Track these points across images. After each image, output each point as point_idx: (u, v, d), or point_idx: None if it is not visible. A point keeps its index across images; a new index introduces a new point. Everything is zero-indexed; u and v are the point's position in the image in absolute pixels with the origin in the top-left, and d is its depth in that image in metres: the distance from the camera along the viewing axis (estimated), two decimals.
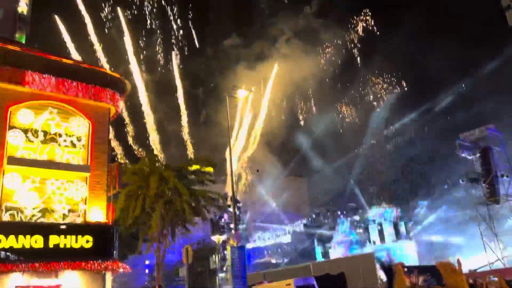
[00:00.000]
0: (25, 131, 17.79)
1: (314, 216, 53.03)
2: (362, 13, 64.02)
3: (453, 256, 29.65)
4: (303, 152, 63.48)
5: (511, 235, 27.70)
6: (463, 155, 29.71)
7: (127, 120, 57.86)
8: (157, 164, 26.55)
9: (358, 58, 65.79)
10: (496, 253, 27.13)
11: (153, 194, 24.47)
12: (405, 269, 1.62)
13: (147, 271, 45.00)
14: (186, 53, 66.74)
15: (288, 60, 64.13)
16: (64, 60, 19.74)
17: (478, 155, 29.10)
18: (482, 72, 48.72)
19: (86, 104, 19.34)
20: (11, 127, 17.47)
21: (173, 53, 64.79)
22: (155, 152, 55.47)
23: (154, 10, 65.59)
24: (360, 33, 64.05)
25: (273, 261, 49.85)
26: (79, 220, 18.03)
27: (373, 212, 46.86)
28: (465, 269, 23.68)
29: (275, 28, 69.28)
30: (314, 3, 70.59)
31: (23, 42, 26.28)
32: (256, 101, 58.85)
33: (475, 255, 29.33)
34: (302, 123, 65.48)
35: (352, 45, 64.81)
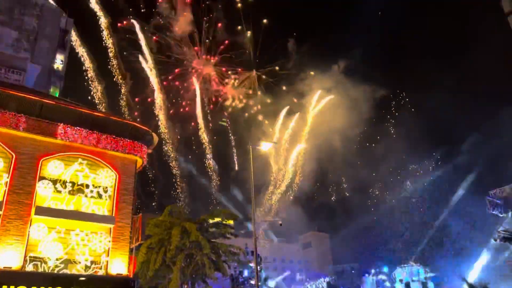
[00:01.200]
0: (54, 182, 18.18)
1: (337, 274, 51.11)
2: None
3: None
4: (329, 209, 62.60)
5: None
6: (494, 212, 28.66)
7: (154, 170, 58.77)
8: (180, 216, 26.50)
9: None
10: None
11: (174, 247, 24.26)
12: None
13: None
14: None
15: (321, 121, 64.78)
16: (95, 113, 20.50)
17: (510, 212, 28.01)
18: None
19: (114, 156, 19.78)
20: (41, 178, 17.89)
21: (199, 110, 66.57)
22: (180, 204, 55.61)
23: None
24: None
25: None
26: (101, 272, 17.84)
27: (400, 271, 44.87)
28: None
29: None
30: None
31: (57, 96, 27.61)
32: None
33: None
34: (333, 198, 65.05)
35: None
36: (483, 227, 38.34)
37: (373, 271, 48.44)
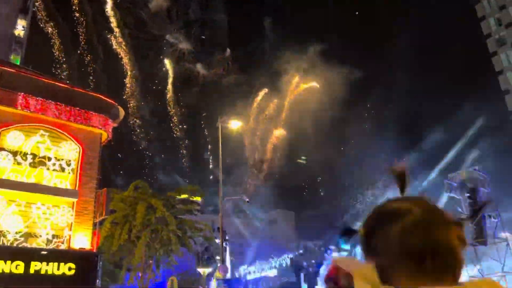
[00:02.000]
0: (14, 153, 17.56)
1: (301, 250, 52.42)
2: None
3: None
4: (298, 189, 63.59)
5: (499, 276, 27.60)
6: (450, 195, 29.96)
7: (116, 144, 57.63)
8: (145, 192, 26.29)
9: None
10: None
11: (139, 223, 24.16)
12: None
13: None
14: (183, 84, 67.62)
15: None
16: (59, 84, 19.78)
17: (466, 195, 29.36)
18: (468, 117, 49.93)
19: (78, 129, 19.25)
20: (0, 149, 17.24)
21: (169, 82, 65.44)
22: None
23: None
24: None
25: None
26: (63, 246, 17.57)
27: (359, 248, 46.49)
28: None
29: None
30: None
31: (18, 64, 26.39)
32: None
33: None
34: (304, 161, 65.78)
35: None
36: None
37: (333, 247, 50.02)
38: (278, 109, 65.43)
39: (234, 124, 26.79)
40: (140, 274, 25.43)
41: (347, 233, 1.02)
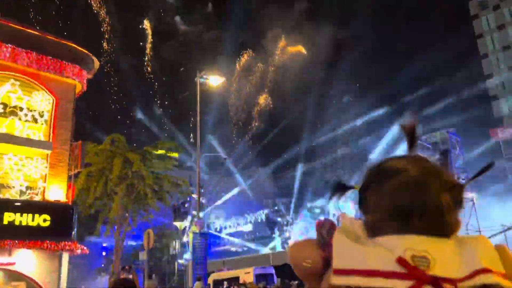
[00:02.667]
0: None
1: (276, 207, 53.63)
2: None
3: None
4: (276, 148, 64.07)
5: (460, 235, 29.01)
6: (423, 155, 30.77)
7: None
8: (122, 146, 26.05)
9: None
10: None
11: (115, 177, 24.08)
12: None
13: (104, 253, 44.24)
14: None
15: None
16: (30, 31, 18.85)
17: (437, 156, 30.22)
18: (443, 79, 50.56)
19: (51, 79, 18.60)
20: None
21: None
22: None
23: None
24: None
25: (233, 249, 50.19)
26: (37, 198, 17.43)
27: (332, 206, 47.92)
28: None
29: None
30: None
31: None
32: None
33: None
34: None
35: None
36: None
37: (309, 204, 51.36)
38: (263, 70, 64.66)
39: (214, 80, 26.40)
40: (116, 227, 25.65)
41: (341, 188, 0.99)
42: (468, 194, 30.58)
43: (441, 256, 0.81)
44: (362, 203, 0.93)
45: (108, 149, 25.50)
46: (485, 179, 34.37)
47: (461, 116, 42.54)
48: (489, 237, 24.59)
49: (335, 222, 1.08)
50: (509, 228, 24.60)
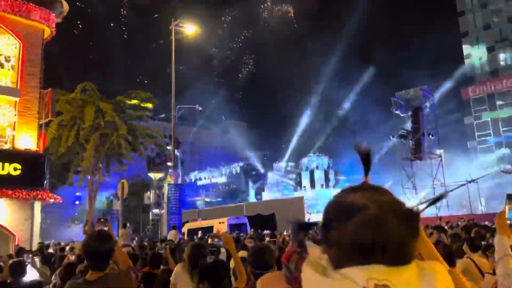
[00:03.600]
0: None
1: (251, 160, 54.22)
2: None
3: None
4: (253, 101, 63.60)
5: (429, 189, 30.34)
6: (396, 112, 31.32)
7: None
8: (94, 95, 25.38)
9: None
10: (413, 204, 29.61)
11: (88, 126, 23.63)
12: None
13: (77, 202, 44.20)
14: None
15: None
16: None
17: (410, 113, 30.83)
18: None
19: (16, 22, 17.60)
20: None
21: None
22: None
23: None
24: None
25: (208, 199, 51.01)
26: (6, 146, 16.99)
27: (306, 160, 48.83)
28: None
29: None
30: None
31: None
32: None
33: None
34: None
35: None
36: (385, 126, 42.10)
37: (284, 159, 52.19)
38: (244, 23, 62.84)
39: (190, 29, 25.61)
40: (89, 177, 25.50)
41: (304, 227, 1.03)
42: (437, 151, 31.65)
43: (401, 283, 0.88)
44: (325, 239, 0.96)
45: (79, 97, 24.81)
46: (453, 136, 35.51)
47: (436, 75, 43.14)
48: (452, 190, 25.92)
49: (302, 254, 1.14)
50: (472, 181, 25.84)
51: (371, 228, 0.89)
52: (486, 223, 14.13)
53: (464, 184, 25.54)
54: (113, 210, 28.02)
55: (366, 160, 1.04)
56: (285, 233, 13.24)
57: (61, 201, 18.66)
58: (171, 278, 4.25)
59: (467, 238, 6.83)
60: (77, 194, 42.47)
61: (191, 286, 3.84)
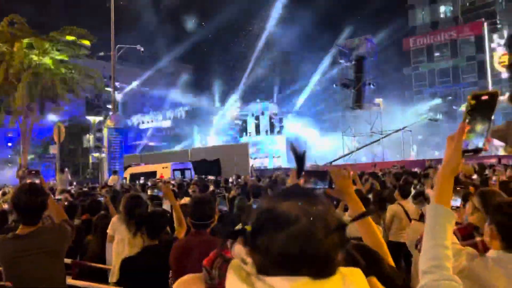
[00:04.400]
0: None
1: (195, 103, 53.44)
2: None
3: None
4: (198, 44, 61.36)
5: (365, 136, 31.81)
6: (340, 61, 31.82)
7: None
8: (24, 29, 23.33)
9: None
10: (351, 150, 31.12)
11: (18, 63, 21.93)
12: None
13: (10, 144, 41.83)
14: None
15: None
16: None
17: (353, 62, 31.45)
18: None
19: None
20: None
21: None
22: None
23: None
24: None
25: (151, 144, 50.22)
26: None
27: (252, 105, 49.02)
28: (324, 161, 27.11)
29: None
30: None
31: None
32: None
33: (334, 151, 33.62)
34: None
35: None
36: (327, 74, 42.80)
37: (230, 104, 51.95)
38: None
39: None
40: (22, 118, 24.01)
41: (234, 235, 0.98)
42: (376, 100, 32.92)
43: None
44: (252, 244, 0.94)
45: (7, 31, 22.69)
46: (392, 86, 36.88)
47: (379, 25, 43.80)
48: (387, 135, 27.43)
49: (225, 259, 1.11)
50: (404, 128, 27.79)
51: (301, 241, 0.90)
52: (416, 169, 15.15)
53: (398, 130, 27.27)
54: (50, 154, 26.81)
55: (300, 162, 1.04)
56: (230, 179, 13.48)
57: None
58: (107, 230, 4.20)
59: (398, 185, 7.33)
60: (9, 135, 40.10)
61: (128, 236, 3.81)
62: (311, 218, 0.92)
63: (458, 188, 2.69)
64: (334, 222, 0.94)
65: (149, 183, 10.53)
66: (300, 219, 0.91)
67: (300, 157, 1.05)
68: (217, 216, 3.41)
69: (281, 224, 0.91)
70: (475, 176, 8.56)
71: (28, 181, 3.01)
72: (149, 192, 5.00)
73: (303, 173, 1.32)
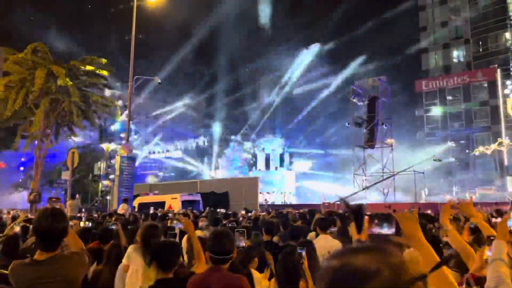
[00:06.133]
0: None
1: (208, 137, 53.87)
2: None
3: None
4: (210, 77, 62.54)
5: (376, 176, 31.57)
6: (354, 100, 32.06)
7: None
8: (46, 57, 24.04)
9: None
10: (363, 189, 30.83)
11: (38, 89, 22.47)
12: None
13: (22, 168, 42.25)
14: None
15: None
16: None
17: (366, 102, 31.66)
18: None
19: None
20: None
21: None
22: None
23: None
24: None
25: (161, 174, 50.34)
26: None
27: (263, 140, 49.27)
28: (335, 196, 26.83)
29: None
30: None
31: None
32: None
33: (345, 186, 33.36)
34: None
35: None
36: (343, 112, 43.07)
37: (239, 136, 52.25)
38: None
39: None
40: (36, 143, 24.34)
41: None
42: (388, 140, 32.86)
43: None
44: None
45: (29, 58, 23.40)
46: (404, 126, 36.92)
47: (395, 66, 44.39)
48: (398, 173, 27.23)
49: None
50: (410, 167, 27.87)
51: None
52: (429, 212, 14.84)
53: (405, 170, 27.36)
54: (61, 180, 26.93)
55: (357, 216, 1.00)
56: (243, 212, 13.37)
57: (4, 167, 17.72)
58: (123, 260, 4.13)
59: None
60: (23, 160, 40.58)
61: (143, 267, 3.74)
62: (394, 270, 0.86)
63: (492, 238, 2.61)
64: (416, 272, 0.89)
65: (159, 213, 10.47)
66: (382, 272, 0.85)
67: (357, 211, 1.03)
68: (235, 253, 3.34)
69: (363, 279, 0.84)
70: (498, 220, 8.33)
71: (49, 206, 3.00)
72: (169, 223, 4.94)
73: (366, 217, 1.27)
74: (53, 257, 2.80)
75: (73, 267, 2.89)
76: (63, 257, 2.89)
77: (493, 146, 39.05)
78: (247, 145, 52.59)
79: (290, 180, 44.32)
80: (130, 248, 4.12)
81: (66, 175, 18.41)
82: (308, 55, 55.42)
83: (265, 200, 25.02)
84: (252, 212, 13.47)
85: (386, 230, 1.45)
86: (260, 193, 31.51)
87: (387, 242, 1.00)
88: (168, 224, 4.87)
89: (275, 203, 33.52)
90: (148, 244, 3.75)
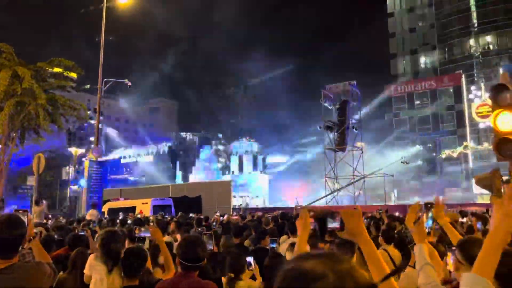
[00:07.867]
0: None
1: (180, 140, 53.33)
2: None
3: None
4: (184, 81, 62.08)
5: (347, 179, 32.03)
6: (325, 104, 32.43)
7: None
8: (10, 58, 23.23)
9: None
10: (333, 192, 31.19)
11: (2, 91, 21.66)
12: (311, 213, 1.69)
13: None
14: None
15: None
16: None
17: (337, 106, 32.12)
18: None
19: None
20: None
21: None
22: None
23: None
24: None
25: (131, 178, 49.46)
26: None
27: (236, 144, 49.17)
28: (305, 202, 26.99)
29: None
30: None
31: None
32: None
33: (316, 192, 33.59)
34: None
35: None
36: (313, 117, 43.58)
37: (213, 142, 51.97)
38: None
39: None
40: (1, 147, 23.44)
41: None
42: (358, 143, 33.43)
43: None
44: None
45: None
46: (374, 130, 37.78)
47: (365, 71, 45.25)
48: (369, 175, 27.73)
49: None
50: (379, 170, 28.24)
51: None
52: (397, 213, 15.12)
53: (374, 173, 27.85)
54: (27, 185, 26.03)
55: (322, 225, 1.06)
56: (217, 215, 13.27)
57: None
58: (84, 270, 3.98)
59: (381, 230, 7.28)
60: None
61: (107, 276, 3.62)
62: (340, 275, 0.90)
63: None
64: (363, 280, 0.93)
65: (129, 220, 10.25)
66: (328, 276, 0.90)
67: (322, 221, 1.08)
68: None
69: (308, 280, 0.90)
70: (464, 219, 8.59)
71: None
72: (136, 231, 4.81)
73: (312, 213, 1.29)
74: (11, 266, 2.67)
75: (32, 277, 2.75)
76: (21, 267, 2.76)
77: (459, 149, 40.37)
78: (221, 148, 52.39)
79: (263, 183, 44.38)
80: (91, 257, 3.98)
81: (31, 181, 17.78)
82: (280, 59, 55.74)
83: (240, 204, 24.98)
84: (225, 216, 13.40)
85: (331, 225, 1.49)
86: (234, 196, 31.42)
87: (345, 250, 1.07)
88: (136, 232, 4.74)
89: (249, 206, 33.51)
90: (108, 250, 3.64)
